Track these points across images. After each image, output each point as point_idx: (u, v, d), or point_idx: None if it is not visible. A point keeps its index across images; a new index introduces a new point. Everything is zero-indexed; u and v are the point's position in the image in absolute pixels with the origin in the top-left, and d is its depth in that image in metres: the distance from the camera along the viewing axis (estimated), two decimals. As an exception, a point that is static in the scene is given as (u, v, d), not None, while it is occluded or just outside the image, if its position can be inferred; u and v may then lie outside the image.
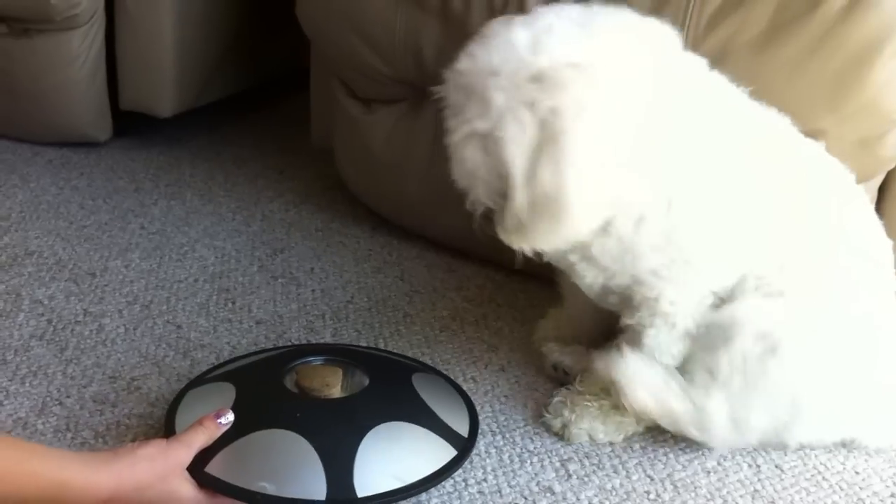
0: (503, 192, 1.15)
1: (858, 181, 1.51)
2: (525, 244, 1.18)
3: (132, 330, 1.57)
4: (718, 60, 1.44)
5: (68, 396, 1.39)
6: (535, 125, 1.10)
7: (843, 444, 1.37)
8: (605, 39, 1.15)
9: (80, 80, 2.25)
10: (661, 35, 1.22)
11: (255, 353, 1.46)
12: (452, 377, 1.43)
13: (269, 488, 1.09)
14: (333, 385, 1.24)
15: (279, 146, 2.46)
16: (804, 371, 1.27)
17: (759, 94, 1.42)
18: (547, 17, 1.16)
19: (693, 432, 1.30)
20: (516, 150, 1.11)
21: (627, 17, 1.20)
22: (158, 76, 2.28)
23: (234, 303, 1.68)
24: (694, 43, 1.45)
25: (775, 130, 1.32)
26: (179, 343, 1.54)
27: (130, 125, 2.41)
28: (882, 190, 1.58)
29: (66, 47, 2.22)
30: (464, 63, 1.15)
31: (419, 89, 1.84)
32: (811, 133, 1.44)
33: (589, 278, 1.32)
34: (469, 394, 1.37)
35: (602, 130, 1.12)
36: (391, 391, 1.26)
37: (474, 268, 1.85)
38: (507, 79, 1.11)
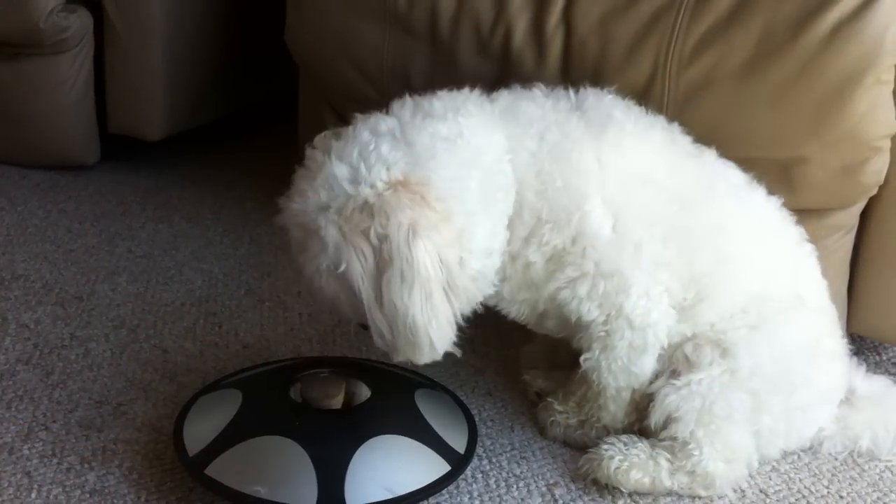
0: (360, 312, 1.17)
1: (841, 207, 1.54)
2: (399, 358, 1.18)
3: (119, 354, 1.57)
4: (702, 88, 1.46)
5: (54, 421, 1.39)
6: (373, 252, 1.13)
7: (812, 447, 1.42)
8: (423, 145, 1.18)
9: (68, 103, 2.26)
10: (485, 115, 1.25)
11: (271, 362, 1.49)
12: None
13: (262, 492, 1.13)
14: (334, 396, 1.27)
15: (267, 170, 2.46)
16: (755, 400, 1.30)
17: (744, 119, 1.45)
18: (361, 137, 1.18)
19: (701, 493, 1.32)
20: (361, 278, 1.13)
21: (452, 119, 1.22)
22: (147, 100, 2.29)
23: (220, 326, 1.68)
24: (678, 71, 1.47)
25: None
26: (166, 367, 1.54)
27: (118, 148, 2.41)
28: (864, 216, 1.59)
29: (55, 71, 2.23)
30: (296, 202, 1.17)
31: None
32: (795, 160, 1.46)
33: (514, 313, 1.36)
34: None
35: (439, 242, 1.14)
36: (391, 405, 1.29)
37: (461, 292, 1.85)
38: (337, 213, 1.13)
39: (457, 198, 1.17)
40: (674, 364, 1.32)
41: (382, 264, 1.12)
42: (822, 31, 1.39)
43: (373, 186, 1.13)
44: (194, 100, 2.38)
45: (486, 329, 1.71)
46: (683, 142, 1.35)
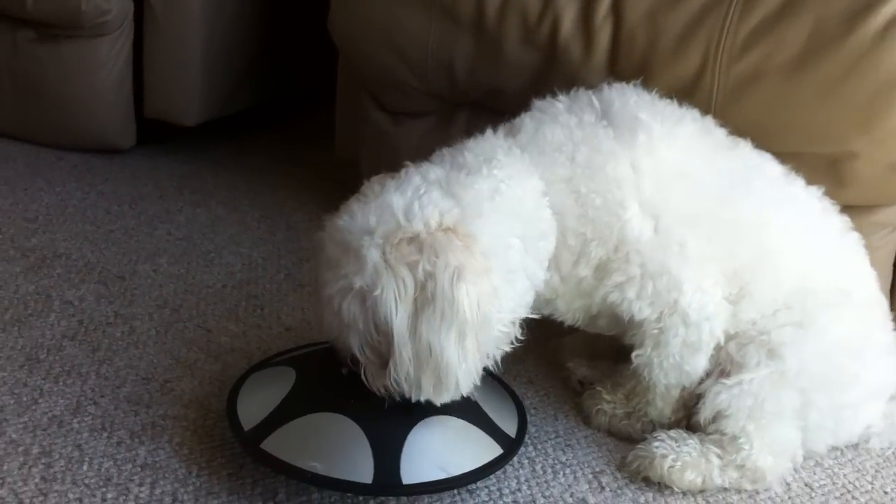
0: (376, 346, 1.17)
1: (887, 204, 1.54)
2: (413, 395, 1.18)
3: (163, 333, 1.58)
4: (752, 82, 1.47)
5: (102, 396, 1.40)
6: (414, 284, 1.13)
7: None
8: (469, 202, 1.20)
9: (106, 87, 2.27)
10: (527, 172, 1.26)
11: (318, 343, 1.48)
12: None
13: (319, 468, 1.14)
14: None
15: (302, 158, 2.48)
16: (805, 391, 1.31)
17: (793, 113, 1.45)
18: (414, 181, 1.21)
19: (748, 487, 1.32)
20: (396, 306, 1.13)
21: (488, 174, 1.23)
22: (185, 85, 2.29)
23: (262, 309, 1.69)
24: (728, 64, 1.47)
25: None
26: (210, 347, 1.55)
27: (152, 133, 2.42)
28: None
29: (94, 54, 2.24)
30: (343, 220, 1.18)
31: (448, 102, 1.86)
32: (843, 155, 1.46)
33: (569, 320, 1.37)
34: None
35: (479, 290, 1.15)
36: None
37: (497, 282, 1.86)
38: (383, 238, 1.14)
39: (498, 256, 1.19)
40: (721, 364, 1.33)
41: (422, 300, 1.13)
42: (875, 27, 1.40)
43: (426, 224, 1.15)
44: (231, 86, 2.39)
45: (524, 318, 1.73)
46: (718, 133, 1.36)
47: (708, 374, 1.35)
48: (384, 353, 1.16)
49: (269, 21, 2.44)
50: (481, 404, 1.28)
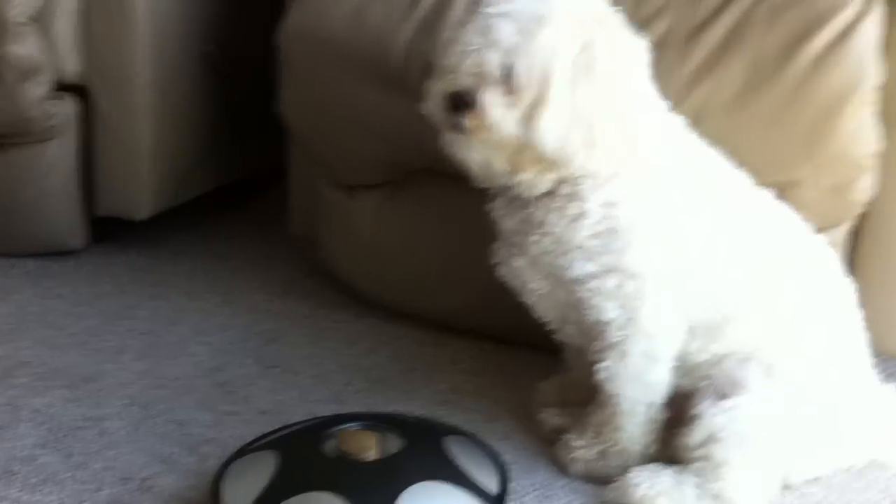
0: (509, 69, 1.22)
1: (832, 226, 1.58)
2: (550, 146, 1.23)
3: (134, 431, 1.56)
4: (696, 123, 1.50)
5: (83, 501, 1.37)
6: (581, 43, 1.22)
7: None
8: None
9: (56, 189, 2.25)
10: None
11: (294, 424, 1.48)
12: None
13: None
14: (370, 448, 1.27)
15: (256, 239, 2.47)
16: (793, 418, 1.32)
17: (738, 147, 1.48)
18: None
19: None
20: (560, 49, 1.22)
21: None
22: (134, 179, 2.27)
23: (233, 395, 1.68)
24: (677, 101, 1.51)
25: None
26: (184, 439, 1.53)
27: (105, 230, 2.40)
28: (856, 235, 1.63)
29: (42, 158, 2.21)
30: None
31: (401, 171, 1.87)
32: (788, 183, 1.50)
33: (534, 284, 1.38)
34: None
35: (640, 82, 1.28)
36: (425, 453, 1.30)
37: (464, 341, 1.87)
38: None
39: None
40: (718, 384, 1.33)
41: (584, 62, 1.22)
42: (808, 58, 1.45)
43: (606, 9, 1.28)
44: (182, 176, 2.38)
45: (495, 374, 1.74)
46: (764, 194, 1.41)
47: (693, 396, 1.35)
48: (512, 81, 1.22)
49: (218, 106, 2.45)
50: (462, 465, 1.28)
